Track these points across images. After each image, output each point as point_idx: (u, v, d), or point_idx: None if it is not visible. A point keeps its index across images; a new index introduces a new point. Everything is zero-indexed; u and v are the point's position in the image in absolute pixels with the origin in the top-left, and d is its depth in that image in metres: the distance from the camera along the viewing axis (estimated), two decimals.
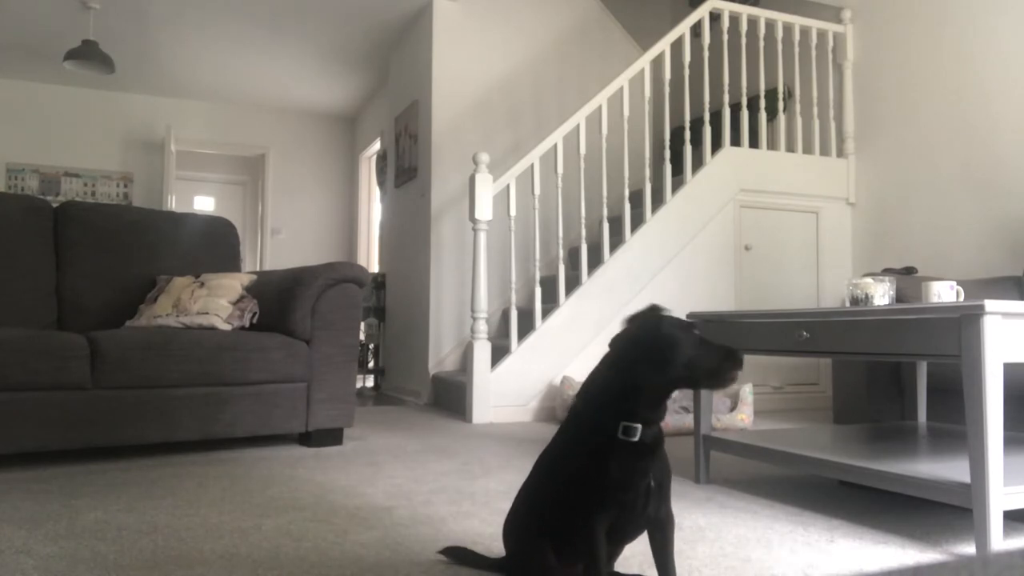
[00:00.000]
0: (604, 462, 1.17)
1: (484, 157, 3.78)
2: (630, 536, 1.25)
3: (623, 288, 4.01)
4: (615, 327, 3.91)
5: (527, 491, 1.31)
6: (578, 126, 4.00)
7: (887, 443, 2.12)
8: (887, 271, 3.19)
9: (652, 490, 1.19)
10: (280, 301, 2.96)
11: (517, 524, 1.30)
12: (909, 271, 3.29)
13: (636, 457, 1.17)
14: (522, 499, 1.31)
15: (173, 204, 6.80)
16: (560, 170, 3.93)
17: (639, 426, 1.17)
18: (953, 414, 2.63)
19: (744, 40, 4.39)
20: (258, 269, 6.77)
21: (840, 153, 4.57)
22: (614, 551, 1.29)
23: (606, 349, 1.25)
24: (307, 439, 2.92)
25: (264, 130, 7.57)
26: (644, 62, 4.10)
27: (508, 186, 3.90)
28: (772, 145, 4.58)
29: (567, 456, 1.25)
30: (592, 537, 1.16)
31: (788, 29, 4.58)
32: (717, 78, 4.57)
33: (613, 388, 1.20)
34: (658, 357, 1.16)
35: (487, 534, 1.70)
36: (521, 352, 3.85)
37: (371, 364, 5.75)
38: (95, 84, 6.79)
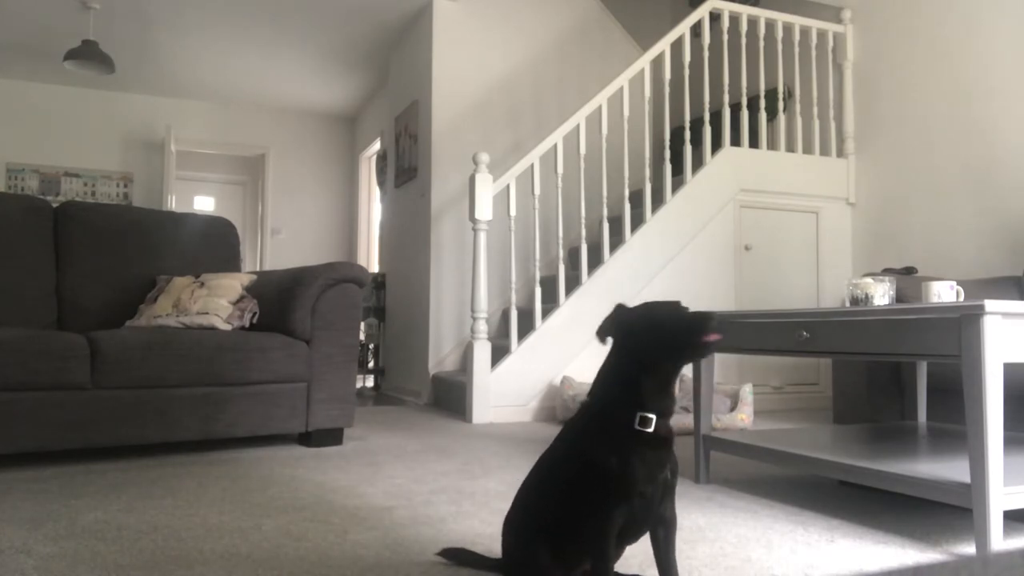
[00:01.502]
0: (625, 454, 1.18)
1: (484, 157, 3.78)
2: (636, 535, 1.24)
3: (623, 288, 4.01)
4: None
5: (527, 489, 1.31)
6: (578, 126, 4.00)
7: (887, 443, 2.12)
8: (887, 271, 3.19)
9: (669, 483, 1.22)
10: (280, 301, 2.96)
11: (515, 523, 1.30)
12: (909, 271, 3.29)
13: (654, 448, 1.20)
14: (521, 498, 1.31)
15: (173, 204, 6.80)
16: (560, 170, 3.93)
17: (654, 416, 1.20)
18: (953, 414, 2.63)
19: (744, 40, 4.39)
20: (258, 269, 6.77)
21: (840, 153, 4.57)
22: (618, 552, 1.28)
23: (607, 350, 1.25)
24: (307, 439, 2.92)
25: (264, 130, 7.57)
26: (644, 62, 4.10)
27: (508, 186, 3.90)
28: (772, 145, 4.58)
29: (577, 452, 1.23)
30: (603, 535, 1.15)
31: (788, 29, 4.58)
32: (717, 78, 4.57)
33: (620, 377, 1.23)
34: (643, 328, 1.22)
35: (487, 534, 1.70)
36: (521, 352, 3.85)
37: (371, 364, 5.75)
38: (95, 84, 6.79)
